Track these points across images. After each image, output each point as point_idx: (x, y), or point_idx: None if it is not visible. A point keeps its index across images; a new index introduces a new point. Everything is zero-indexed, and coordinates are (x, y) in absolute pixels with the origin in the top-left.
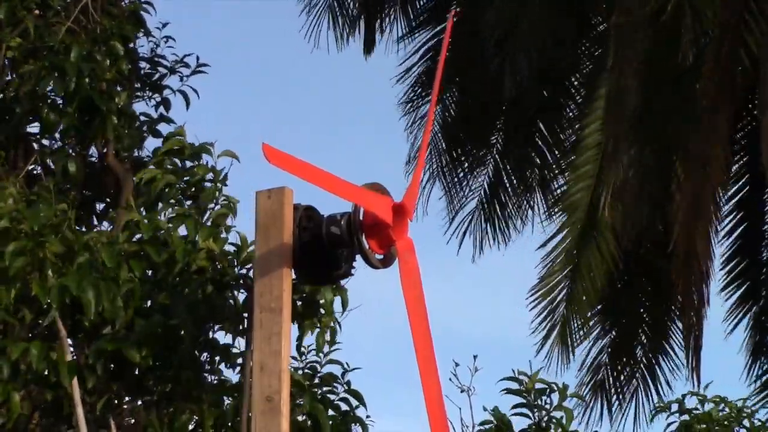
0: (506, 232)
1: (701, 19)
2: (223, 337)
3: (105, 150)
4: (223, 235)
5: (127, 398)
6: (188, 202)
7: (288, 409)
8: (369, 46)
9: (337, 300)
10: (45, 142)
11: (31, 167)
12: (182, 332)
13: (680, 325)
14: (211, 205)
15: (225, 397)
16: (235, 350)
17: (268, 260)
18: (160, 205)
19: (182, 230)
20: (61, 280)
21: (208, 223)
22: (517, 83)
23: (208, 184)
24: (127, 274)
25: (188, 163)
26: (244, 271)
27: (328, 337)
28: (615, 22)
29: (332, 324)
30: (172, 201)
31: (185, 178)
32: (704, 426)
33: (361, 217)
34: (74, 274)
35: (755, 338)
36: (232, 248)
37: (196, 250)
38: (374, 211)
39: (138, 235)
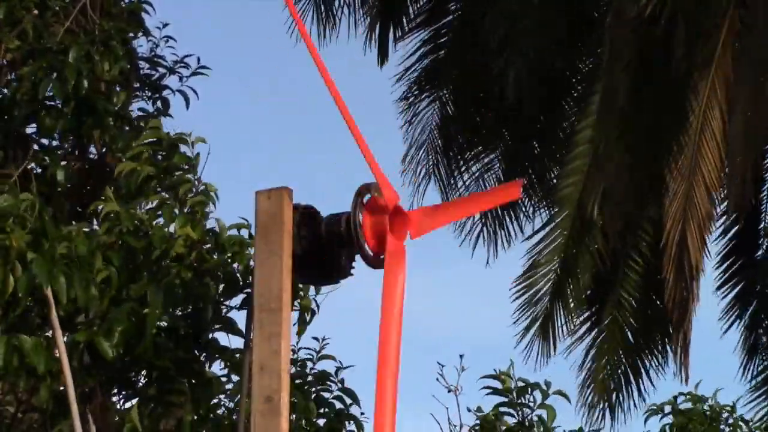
0: (515, 234)
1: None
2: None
3: (104, 150)
4: (205, 222)
5: (112, 392)
6: (166, 194)
7: (287, 409)
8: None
9: None
10: (44, 141)
11: (30, 167)
12: (153, 319)
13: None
14: (191, 195)
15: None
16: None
17: (267, 260)
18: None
19: (161, 220)
20: (32, 269)
21: (186, 212)
22: (518, 84)
23: (188, 176)
24: (102, 263)
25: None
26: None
27: (307, 317)
28: (608, 23)
29: (311, 305)
30: (152, 192)
31: (165, 168)
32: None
33: (360, 218)
34: (42, 263)
35: (750, 338)
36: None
37: (174, 237)
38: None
39: (118, 227)
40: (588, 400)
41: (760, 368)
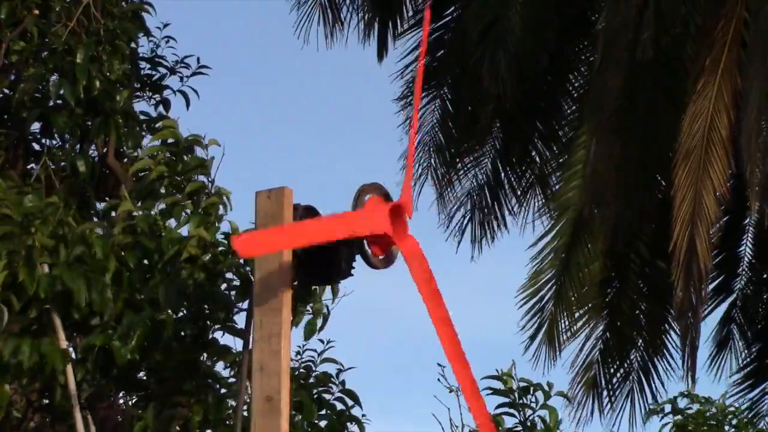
0: (501, 231)
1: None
2: (221, 337)
3: (105, 150)
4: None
5: (120, 393)
6: (179, 195)
7: (288, 409)
8: (381, 50)
9: (327, 287)
10: (45, 141)
11: (29, 167)
12: (169, 325)
13: (674, 324)
14: (204, 197)
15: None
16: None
17: (267, 260)
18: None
19: (174, 221)
20: (54, 272)
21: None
22: (497, 77)
23: (201, 177)
24: (116, 264)
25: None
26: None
27: (319, 323)
28: (604, 23)
29: (323, 310)
30: (164, 192)
31: (178, 170)
32: (700, 426)
33: None
34: (64, 265)
35: (722, 332)
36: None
37: (187, 238)
38: (371, 231)
39: (132, 227)
40: (596, 402)
41: (747, 360)
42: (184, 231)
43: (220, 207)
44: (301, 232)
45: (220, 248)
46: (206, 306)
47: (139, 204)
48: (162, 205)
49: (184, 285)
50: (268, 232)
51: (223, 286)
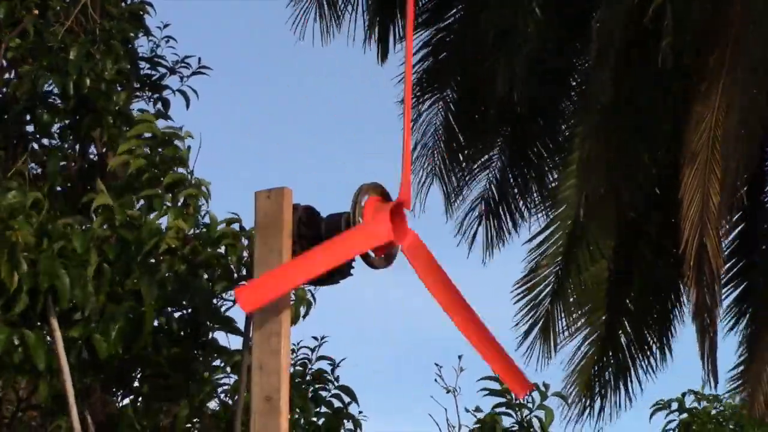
0: (507, 231)
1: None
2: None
3: (105, 150)
4: (198, 215)
5: (109, 389)
6: (158, 190)
7: (287, 408)
8: (383, 51)
9: None
10: (44, 141)
11: (30, 167)
12: (150, 317)
13: (673, 323)
14: (183, 188)
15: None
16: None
17: (267, 260)
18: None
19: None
20: (38, 267)
21: (178, 205)
22: (512, 82)
23: (181, 170)
24: (97, 258)
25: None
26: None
27: (303, 310)
28: (599, 19)
29: (307, 296)
30: (144, 185)
31: (156, 161)
32: (707, 425)
33: (360, 219)
34: (46, 260)
35: (751, 339)
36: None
37: (166, 229)
38: (375, 245)
39: (111, 221)
40: (589, 401)
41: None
42: (163, 223)
43: (201, 198)
44: (303, 268)
45: (200, 239)
46: (188, 298)
47: (119, 198)
48: (140, 199)
49: (165, 277)
50: (269, 276)
51: (204, 276)
